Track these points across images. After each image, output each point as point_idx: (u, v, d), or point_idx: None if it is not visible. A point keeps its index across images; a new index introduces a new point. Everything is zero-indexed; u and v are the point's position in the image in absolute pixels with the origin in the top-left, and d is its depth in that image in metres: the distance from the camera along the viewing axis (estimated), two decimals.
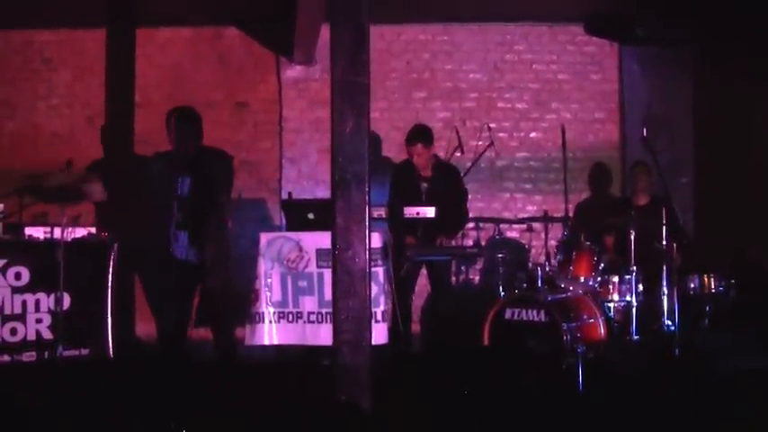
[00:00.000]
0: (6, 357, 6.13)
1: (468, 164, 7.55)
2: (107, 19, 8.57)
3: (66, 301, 6.34)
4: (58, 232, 6.28)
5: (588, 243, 7.07)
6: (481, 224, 8.12)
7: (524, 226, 8.14)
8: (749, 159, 8.44)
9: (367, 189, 4.58)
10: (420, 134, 7.17)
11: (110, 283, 6.62)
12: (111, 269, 6.63)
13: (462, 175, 7.46)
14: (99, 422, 4.94)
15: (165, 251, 6.58)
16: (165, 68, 8.83)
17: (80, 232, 6.57)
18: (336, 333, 4.56)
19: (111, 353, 6.56)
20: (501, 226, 8.31)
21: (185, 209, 6.55)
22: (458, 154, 7.49)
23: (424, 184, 7.18)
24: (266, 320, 6.54)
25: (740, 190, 8.30)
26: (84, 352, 6.45)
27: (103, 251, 6.61)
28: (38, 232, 6.43)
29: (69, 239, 6.37)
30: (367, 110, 4.64)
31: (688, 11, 7.93)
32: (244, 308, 6.51)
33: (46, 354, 6.28)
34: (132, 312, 8.04)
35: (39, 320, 6.32)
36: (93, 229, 6.73)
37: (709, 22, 8.00)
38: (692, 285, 7.04)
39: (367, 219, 4.58)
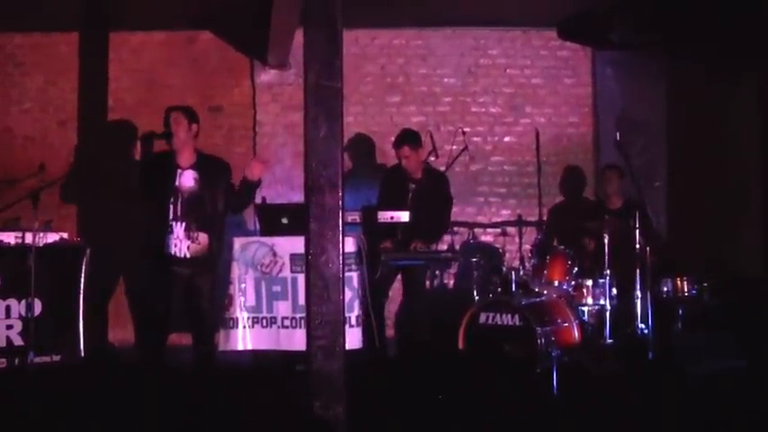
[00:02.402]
0: None
1: (443, 168, 7.54)
2: (80, 23, 8.52)
3: (38, 306, 6.30)
4: (29, 237, 6.23)
5: (562, 247, 7.11)
6: (455, 228, 8.10)
7: (499, 230, 8.14)
8: (722, 163, 8.51)
9: (341, 194, 4.56)
10: (406, 137, 7.16)
11: (82, 289, 6.58)
12: (83, 275, 6.59)
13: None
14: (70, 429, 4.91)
15: (157, 250, 6.12)
16: (138, 72, 8.76)
17: (52, 237, 6.53)
18: (310, 338, 4.54)
19: (82, 359, 6.51)
20: (475, 230, 8.31)
21: (183, 200, 6.12)
22: (432, 158, 7.48)
23: (413, 185, 7.18)
24: (240, 326, 6.53)
25: (713, 193, 8.35)
26: (56, 358, 6.41)
27: (76, 256, 6.57)
28: (9, 237, 6.39)
29: (41, 244, 6.31)
30: (341, 114, 4.63)
31: (661, 15, 7.97)
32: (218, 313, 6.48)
33: (17, 360, 6.24)
34: (105, 318, 7.96)
35: (9, 326, 6.29)
36: (66, 235, 6.69)
37: (681, 27, 8.04)
38: (666, 288, 7.07)
39: (341, 223, 4.57)
